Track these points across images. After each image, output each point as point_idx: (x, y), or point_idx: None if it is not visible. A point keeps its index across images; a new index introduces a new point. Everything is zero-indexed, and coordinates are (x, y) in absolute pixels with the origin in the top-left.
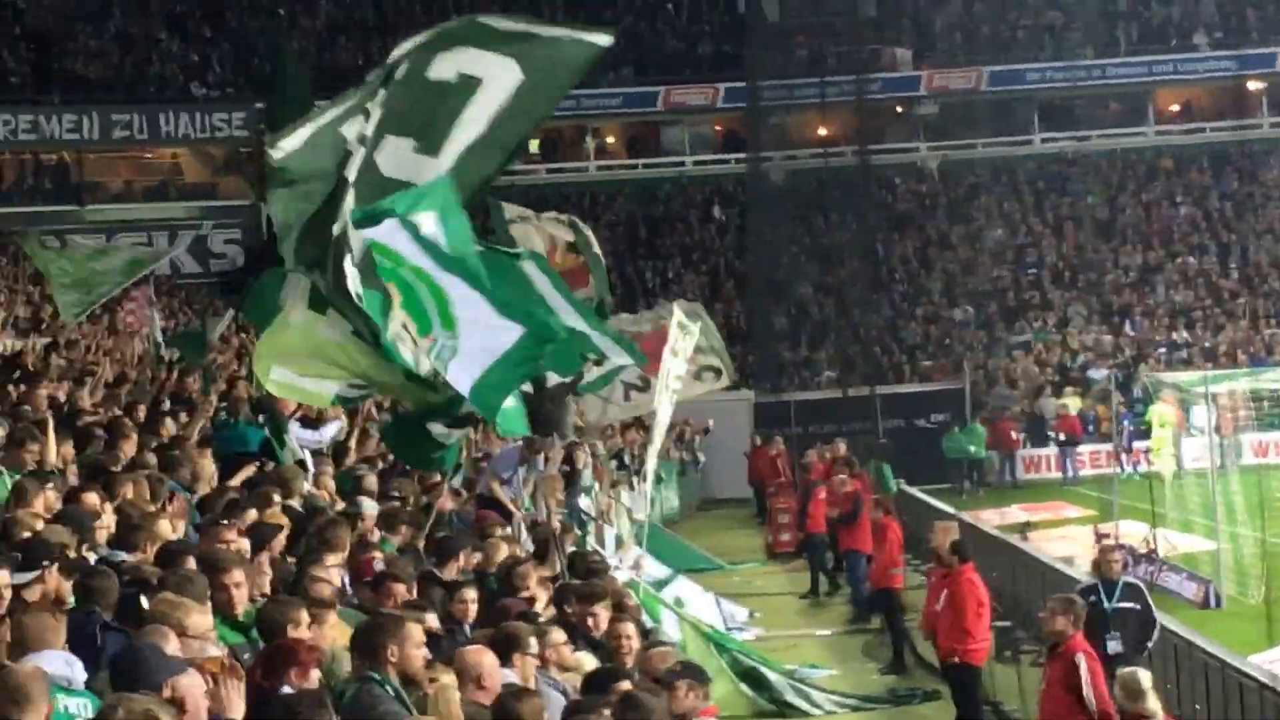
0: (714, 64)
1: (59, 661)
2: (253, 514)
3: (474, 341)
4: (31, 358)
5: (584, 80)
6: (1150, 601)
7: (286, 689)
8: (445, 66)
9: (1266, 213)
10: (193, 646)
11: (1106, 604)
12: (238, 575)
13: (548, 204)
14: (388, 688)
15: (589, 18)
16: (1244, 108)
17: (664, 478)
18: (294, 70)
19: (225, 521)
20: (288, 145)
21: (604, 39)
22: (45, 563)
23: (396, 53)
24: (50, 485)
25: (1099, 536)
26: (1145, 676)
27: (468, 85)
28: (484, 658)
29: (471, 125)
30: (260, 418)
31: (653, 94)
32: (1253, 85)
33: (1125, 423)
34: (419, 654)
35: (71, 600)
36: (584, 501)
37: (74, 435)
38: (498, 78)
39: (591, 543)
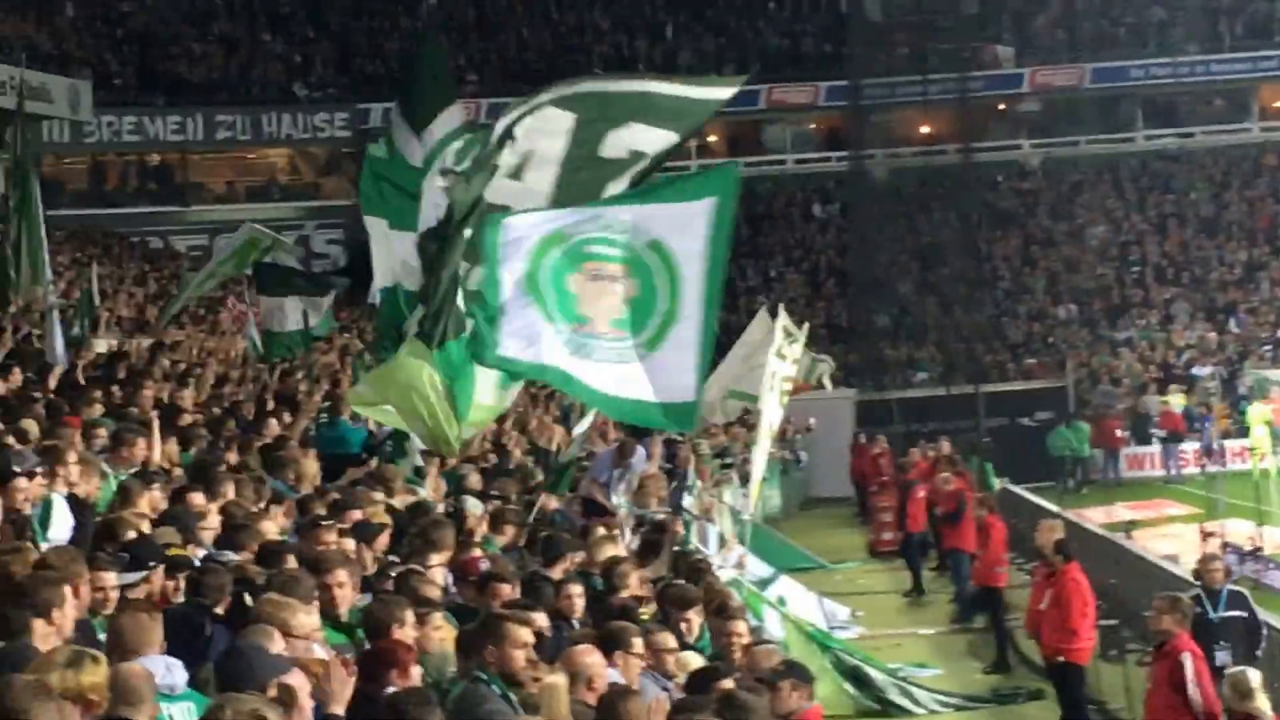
0: (816, 62)
1: (159, 668)
2: (355, 514)
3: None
4: (135, 358)
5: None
6: (1255, 608)
7: (390, 690)
8: (617, 144)
9: None
10: (298, 647)
11: (1212, 614)
12: (341, 575)
13: None
14: (494, 687)
15: (691, 19)
16: None
17: (767, 477)
18: (440, 62)
19: (327, 522)
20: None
21: (728, 91)
22: (151, 563)
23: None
24: (156, 485)
25: (1205, 535)
26: (1255, 675)
27: (636, 158)
28: (593, 658)
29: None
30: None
31: (754, 92)
32: None
33: (1207, 424)
34: (520, 654)
35: (180, 598)
36: (687, 500)
37: (178, 435)
38: (657, 145)
39: (694, 541)
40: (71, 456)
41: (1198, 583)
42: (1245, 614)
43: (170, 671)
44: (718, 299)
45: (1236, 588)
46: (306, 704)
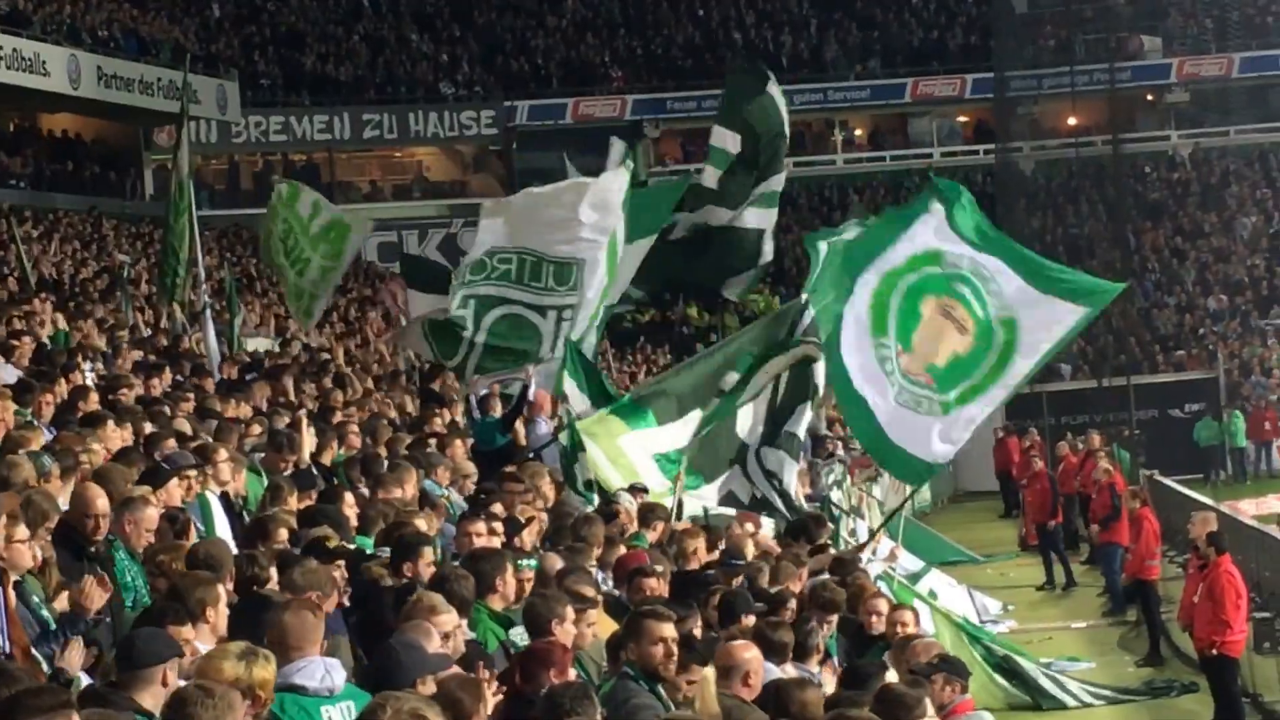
0: (961, 55)
1: (319, 671)
2: (499, 509)
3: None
4: (286, 358)
5: (831, 73)
6: None
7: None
8: None
9: None
10: (451, 643)
11: None
12: (508, 574)
13: (795, 198)
14: (641, 683)
15: (835, 11)
16: None
17: None
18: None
19: (474, 515)
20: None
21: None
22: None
23: None
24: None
25: None
26: None
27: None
28: (750, 653)
29: None
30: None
31: (900, 86)
32: None
33: None
34: (657, 650)
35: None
36: (836, 495)
37: (334, 433)
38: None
39: (844, 535)
40: (223, 455)
41: None
42: None
43: (330, 673)
44: (1017, 385)
45: None
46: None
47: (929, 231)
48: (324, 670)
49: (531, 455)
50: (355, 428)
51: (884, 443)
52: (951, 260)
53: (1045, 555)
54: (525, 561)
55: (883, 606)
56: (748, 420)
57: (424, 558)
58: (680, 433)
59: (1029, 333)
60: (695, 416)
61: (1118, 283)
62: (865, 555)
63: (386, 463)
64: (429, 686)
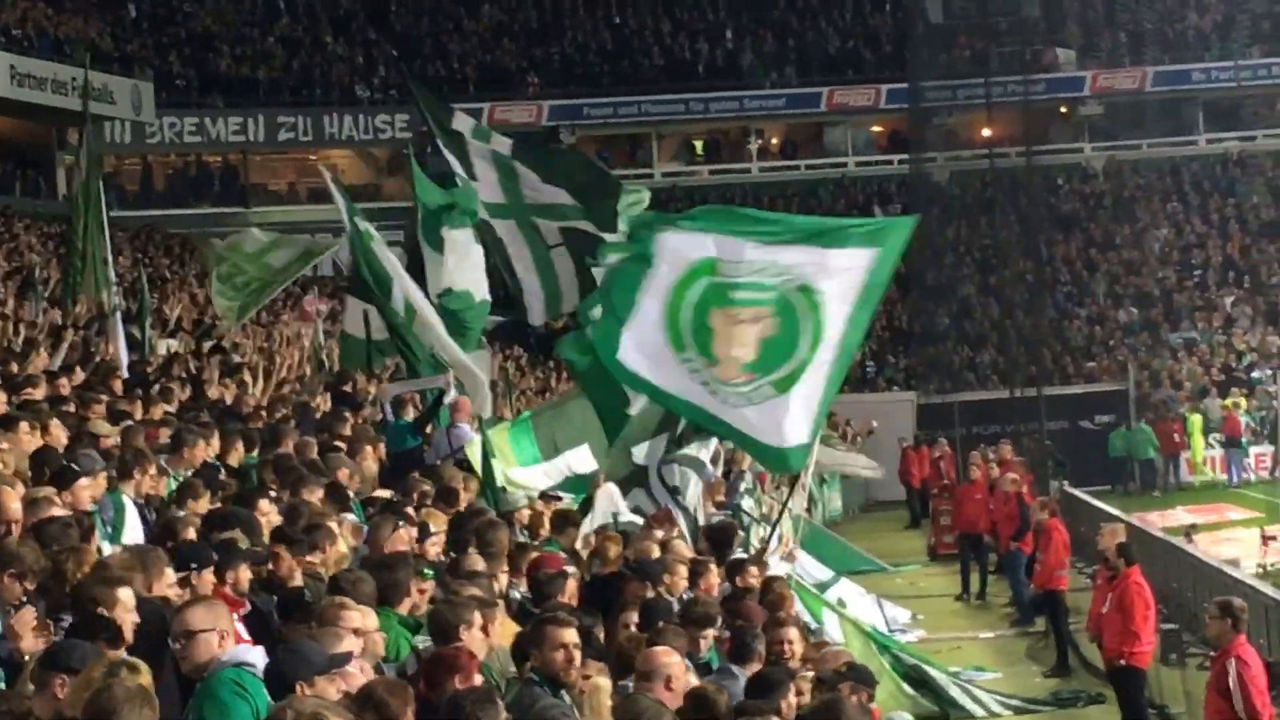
0: (877, 65)
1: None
2: (411, 513)
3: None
4: (197, 359)
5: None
6: None
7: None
8: None
9: None
10: (358, 645)
11: None
12: (413, 579)
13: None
14: (546, 688)
15: (752, 22)
16: None
17: (827, 479)
18: None
19: (386, 519)
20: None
21: None
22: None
23: None
24: (215, 487)
25: (1266, 539)
26: None
27: None
28: (672, 658)
29: None
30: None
31: (815, 95)
32: None
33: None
34: (559, 656)
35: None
36: (747, 503)
37: (241, 436)
38: None
39: (754, 543)
40: (151, 468)
41: None
42: None
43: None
44: (855, 347)
45: None
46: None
47: (692, 244)
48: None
49: (451, 458)
50: (264, 431)
51: (742, 438)
52: (727, 269)
53: (965, 565)
54: (426, 571)
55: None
56: (643, 449)
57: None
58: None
59: (828, 288)
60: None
61: (909, 221)
62: (772, 561)
63: (298, 466)
64: (324, 687)
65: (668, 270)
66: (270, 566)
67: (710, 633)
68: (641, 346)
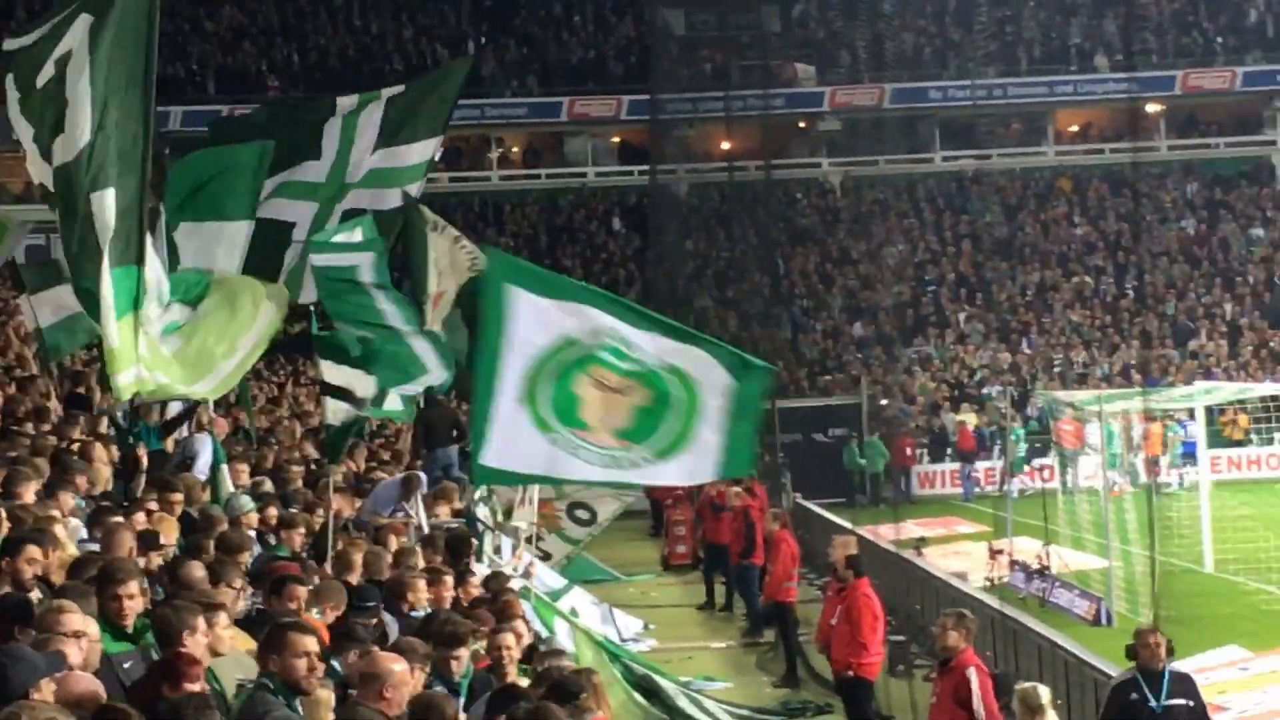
0: (619, 76)
1: None
2: (140, 518)
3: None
4: None
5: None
6: (1201, 695)
7: None
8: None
9: (1162, 234)
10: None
11: (1153, 702)
12: (132, 586)
13: (450, 212)
14: (280, 696)
15: (495, 29)
16: (1141, 129)
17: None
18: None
19: (115, 520)
20: None
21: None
22: None
23: None
24: None
25: (993, 552)
26: (1045, 691)
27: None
28: (398, 665)
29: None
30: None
31: (557, 105)
32: (1151, 108)
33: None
34: (301, 663)
35: None
36: (482, 511)
37: None
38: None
39: (488, 551)
40: None
41: (1131, 663)
42: (1192, 703)
43: None
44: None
45: (1180, 670)
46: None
47: (544, 317)
48: None
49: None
50: None
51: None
52: (591, 339)
53: (709, 576)
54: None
55: (521, 627)
56: None
57: (24, 554)
58: None
59: (701, 380)
60: None
61: (770, 371)
62: (507, 569)
63: (13, 466)
64: (44, 692)
65: (524, 340)
66: None
67: (462, 653)
68: (505, 434)
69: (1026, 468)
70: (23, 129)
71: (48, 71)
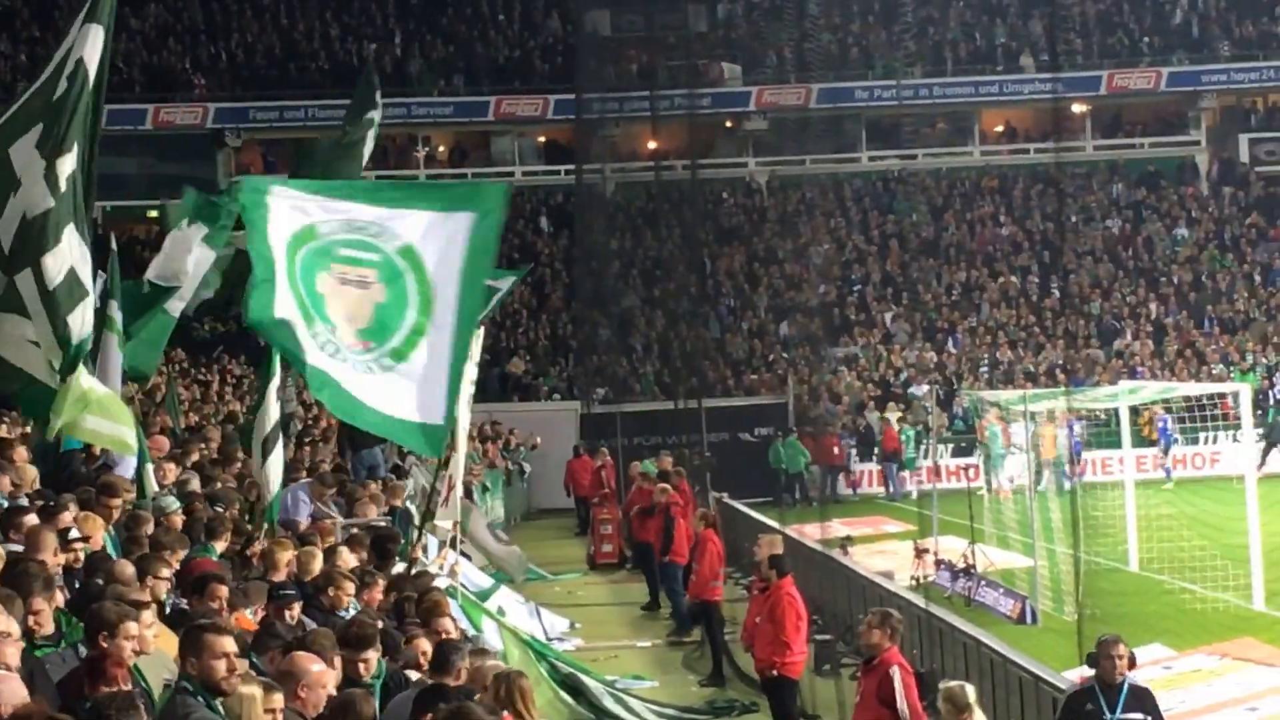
0: (546, 76)
1: None
2: (66, 517)
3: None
4: None
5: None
6: (1160, 711)
7: None
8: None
9: (1087, 234)
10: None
11: (1108, 715)
12: (39, 601)
13: None
14: (200, 697)
15: (420, 26)
16: (1067, 129)
17: (490, 487)
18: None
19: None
20: None
21: None
22: None
23: None
24: None
25: (919, 551)
26: (971, 690)
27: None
28: (315, 666)
29: None
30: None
31: (483, 104)
32: (1076, 108)
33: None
34: (220, 664)
35: None
36: (411, 507)
37: None
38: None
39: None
40: None
41: (1091, 670)
42: (1148, 718)
43: None
44: (475, 316)
45: (1139, 684)
46: None
47: (289, 211)
48: None
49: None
50: None
51: (381, 418)
52: (328, 229)
53: (649, 574)
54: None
55: (449, 625)
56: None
57: None
58: None
59: (430, 251)
60: None
61: (500, 186)
62: (433, 569)
63: None
64: None
65: (277, 229)
66: None
67: (371, 655)
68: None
69: (918, 466)
70: None
71: None
